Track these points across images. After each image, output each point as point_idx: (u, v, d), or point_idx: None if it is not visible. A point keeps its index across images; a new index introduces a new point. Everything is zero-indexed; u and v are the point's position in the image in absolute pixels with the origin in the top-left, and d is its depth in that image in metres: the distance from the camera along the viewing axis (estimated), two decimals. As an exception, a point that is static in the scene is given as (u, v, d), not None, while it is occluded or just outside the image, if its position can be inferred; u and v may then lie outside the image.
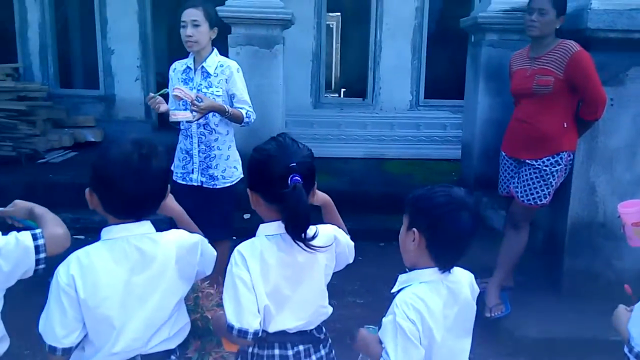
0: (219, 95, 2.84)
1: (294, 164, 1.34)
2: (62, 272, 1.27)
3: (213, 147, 2.89)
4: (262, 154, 1.40)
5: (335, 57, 15.54)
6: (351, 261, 1.60)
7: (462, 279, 1.49)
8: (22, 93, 5.92)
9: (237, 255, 1.38)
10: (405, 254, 1.46)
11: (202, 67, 2.85)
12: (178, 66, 2.96)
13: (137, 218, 1.35)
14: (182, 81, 2.90)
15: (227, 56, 4.65)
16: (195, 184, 2.91)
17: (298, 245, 1.35)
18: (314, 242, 1.37)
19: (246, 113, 2.91)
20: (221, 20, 2.95)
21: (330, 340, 1.58)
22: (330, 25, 16.57)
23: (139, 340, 1.32)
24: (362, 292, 3.59)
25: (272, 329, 1.40)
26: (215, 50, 2.90)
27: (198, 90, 2.84)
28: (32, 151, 5.47)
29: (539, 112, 3.00)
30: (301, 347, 1.45)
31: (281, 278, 1.40)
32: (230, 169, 2.95)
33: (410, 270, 1.46)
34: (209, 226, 2.92)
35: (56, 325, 1.26)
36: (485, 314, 3.07)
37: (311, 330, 1.49)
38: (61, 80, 7.06)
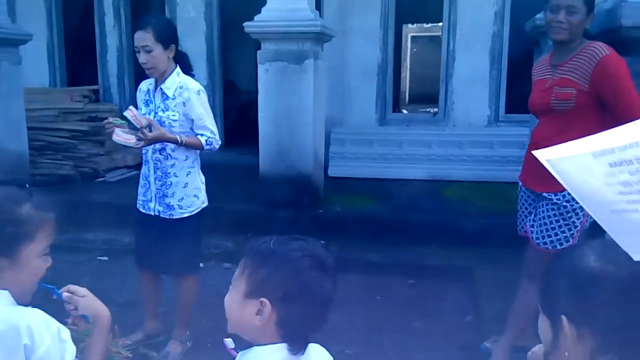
0: (175, 120, 2.61)
1: None
2: None
3: (169, 173, 2.66)
4: None
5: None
6: None
7: (317, 358, 1.13)
8: (94, 114, 6.28)
9: None
10: (241, 328, 1.09)
11: (161, 88, 2.65)
12: (143, 86, 2.79)
13: None
14: (144, 102, 2.73)
15: (250, 73, 4.52)
16: (153, 213, 2.71)
17: None
18: None
19: (206, 140, 2.65)
20: (174, 37, 2.70)
21: None
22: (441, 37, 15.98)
23: None
24: (357, 341, 3.11)
25: None
26: (177, 69, 2.68)
27: (155, 113, 2.64)
28: (92, 170, 5.75)
29: (558, 133, 2.34)
30: None
31: None
32: (189, 198, 2.70)
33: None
34: (169, 260, 2.76)
35: None
36: (486, 383, 2.47)
37: None
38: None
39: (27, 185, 1.16)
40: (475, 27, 6.21)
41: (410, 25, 15.56)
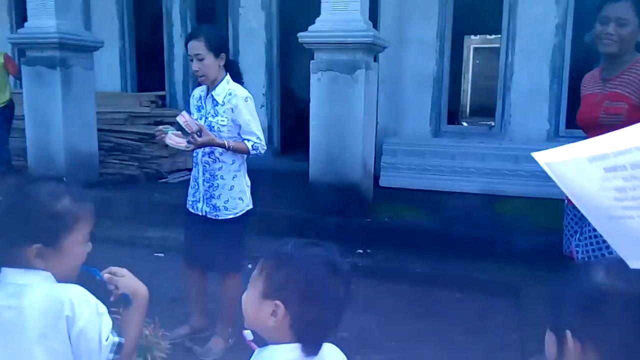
0: (224, 125, 2.75)
1: None
2: None
3: (217, 176, 2.80)
4: None
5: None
6: None
7: (328, 357, 1.16)
8: (159, 118, 6.61)
9: None
10: (257, 326, 1.14)
11: (212, 95, 2.79)
12: (196, 93, 2.95)
13: None
14: (196, 108, 2.89)
15: (308, 82, 4.63)
16: (201, 213, 2.85)
17: None
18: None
19: (252, 145, 2.77)
20: (225, 46, 2.82)
21: None
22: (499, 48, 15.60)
23: None
24: (395, 351, 3.11)
25: None
26: (228, 77, 2.81)
27: (205, 118, 2.79)
28: (155, 171, 6.06)
29: (607, 150, 2.28)
30: None
31: None
32: (234, 200, 2.81)
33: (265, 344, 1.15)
34: (214, 258, 2.88)
35: None
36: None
37: None
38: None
39: (64, 179, 1.27)
40: (535, 39, 6.05)
41: (472, 37, 15.29)
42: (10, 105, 5.78)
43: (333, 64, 4.47)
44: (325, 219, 4.59)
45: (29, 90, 5.37)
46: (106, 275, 1.33)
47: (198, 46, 2.67)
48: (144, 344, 2.11)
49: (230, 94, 2.75)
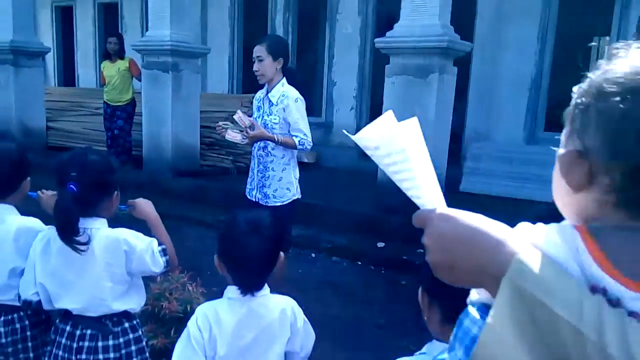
0: (276, 123, 3.07)
1: (74, 174, 1.57)
2: None
3: (268, 167, 3.13)
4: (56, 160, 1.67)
5: None
6: (157, 270, 1.72)
7: (272, 305, 1.53)
8: (257, 118, 7.17)
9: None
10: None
11: (268, 97, 3.13)
12: (257, 95, 3.30)
13: None
14: (256, 108, 3.25)
15: (382, 86, 4.81)
16: (254, 200, 3.20)
17: (65, 244, 1.56)
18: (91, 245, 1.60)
19: (299, 141, 3.06)
20: (283, 52, 3.14)
21: (132, 335, 1.75)
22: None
23: None
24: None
25: (57, 305, 1.67)
26: (283, 80, 3.12)
27: (262, 117, 3.13)
28: (246, 165, 6.60)
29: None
30: (88, 331, 1.66)
31: (61, 264, 1.63)
32: (282, 190, 3.12)
33: None
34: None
35: None
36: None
37: (97, 317, 1.67)
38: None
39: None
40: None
41: (607, 37, 14.12)
42: (132, 103, 6.70)
43: (407, 68, 4.60)
44: (391, 217, 4.73)
45: (146, 91, 6.18)
46: (129, 208, 1.84)
47: (260, 49, 3.05)
48: (186, 297, 2.50)
49: (283, 95, 3.07)
